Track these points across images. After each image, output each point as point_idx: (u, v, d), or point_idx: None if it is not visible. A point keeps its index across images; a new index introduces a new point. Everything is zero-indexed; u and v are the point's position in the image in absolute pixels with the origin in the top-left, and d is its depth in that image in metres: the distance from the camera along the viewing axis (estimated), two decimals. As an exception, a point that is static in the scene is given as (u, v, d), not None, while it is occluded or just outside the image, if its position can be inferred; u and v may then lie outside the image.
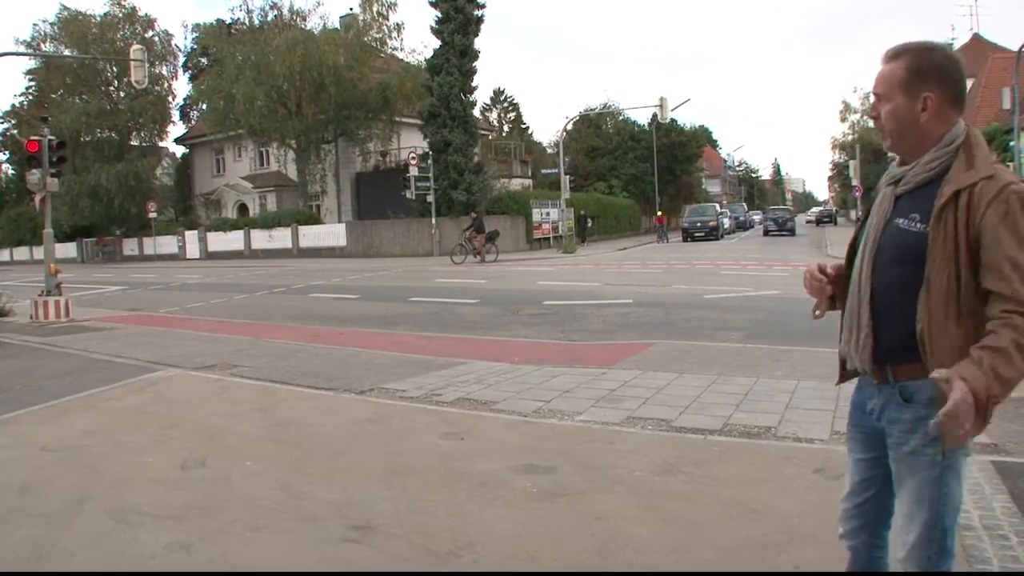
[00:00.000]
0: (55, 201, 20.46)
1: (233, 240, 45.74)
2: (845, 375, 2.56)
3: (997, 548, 3.60)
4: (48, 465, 5.50)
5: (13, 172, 59.35)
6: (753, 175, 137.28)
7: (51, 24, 49.71)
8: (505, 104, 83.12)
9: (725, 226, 52.98)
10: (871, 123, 2.61)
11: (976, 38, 55.81)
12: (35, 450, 5.92)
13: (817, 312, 2.61)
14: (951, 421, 1.99)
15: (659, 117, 43.69)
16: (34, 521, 4.37)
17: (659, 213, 52.81)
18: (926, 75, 2.26)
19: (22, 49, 47.83)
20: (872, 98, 2.40)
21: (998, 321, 2.08)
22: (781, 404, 6.44)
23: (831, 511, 4.02)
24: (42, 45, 49.46)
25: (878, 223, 2.36)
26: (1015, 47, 27.67)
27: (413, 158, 36.48)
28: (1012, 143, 26.02)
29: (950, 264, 2.16)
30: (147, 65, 27.80)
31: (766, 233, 52.36)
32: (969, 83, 43.64)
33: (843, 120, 71.67)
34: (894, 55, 2.31)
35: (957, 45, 56.77)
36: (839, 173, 79.70)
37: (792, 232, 50.95)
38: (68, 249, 50.99)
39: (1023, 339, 2.04)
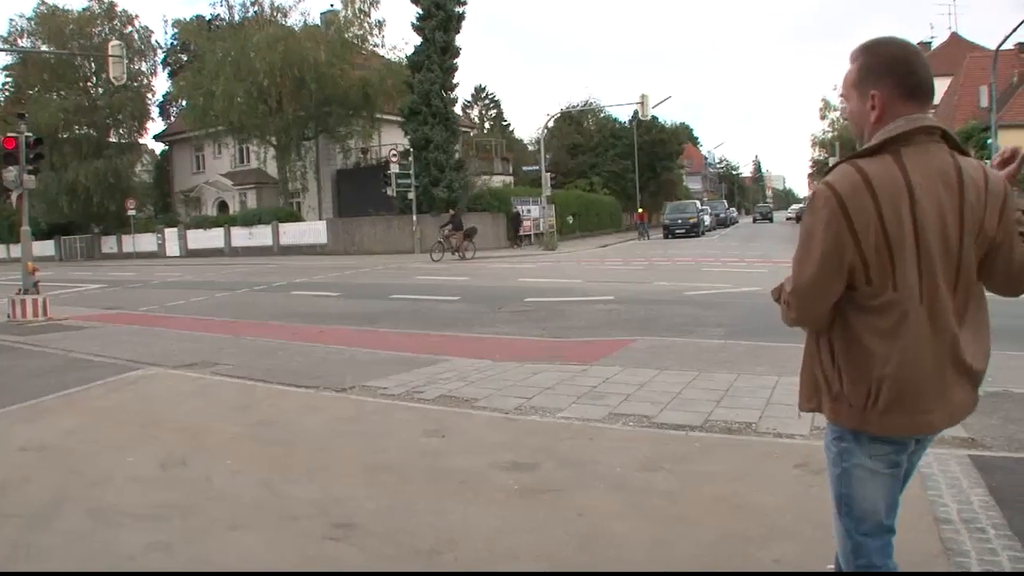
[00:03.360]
0: (32, 199, 20.25)
1: (213, 238, 45.49)
2: None
3: (975, 541, 3.64)
4: (26, 465, 5.45)
5: (-10, 169, 58.64)
6: (734, 172, 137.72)
7: (28, 19, 49.28)
8: (486, 101, 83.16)
9: (706, 223, 53.19)
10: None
11: (954, 37, 56.38)
12: (13, 450, 5.86)
13: None
14: None
15: (640, 114, 43.92)
16: (12, 522, 4.33)
17: (640, 210, 52.84)
18: (874, 72, 2.20)
19: (-1, 44, 47.42)
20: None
21: None
22: (762, 400, 6.47)
23: (812, 506, 4.06)
24: (19, 40, 48.89)
25: None
26: (992, 46, 27.90)
27: (394, 155, 36.42)
28: (990, 140, 26.27)
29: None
30: (126, 61, 27.59)
31: (755, 221, 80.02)
32: (947, 81, 44.09)
33: (823, 118, 72.22)
34: (853, 56, 2.27)
35: (936, 44, 57.39)
36: (819, 170, 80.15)
37: (771, 220, 79.14)
38: (46, 247, 50.58)
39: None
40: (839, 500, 2.37)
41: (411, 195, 35.94)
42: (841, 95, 2.36)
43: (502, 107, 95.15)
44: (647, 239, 46.84)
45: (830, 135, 70.33)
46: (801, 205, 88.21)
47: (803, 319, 2.26)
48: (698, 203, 56.38)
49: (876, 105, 2.19)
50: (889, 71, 2.18)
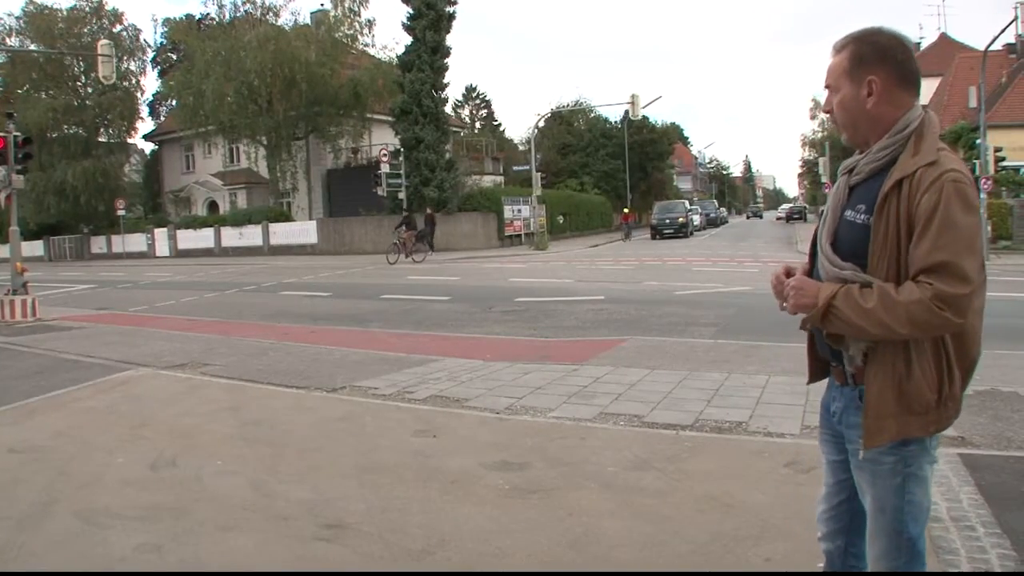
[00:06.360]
0: (21, 199, 20.13)
1: (203, 238, 45.32)
2: (815, 374, 2.50)
3: (964, 539, 3.65)
4: (15, 467, 5.42)
5: (-23, 169, 58.19)
6: (724, 172, 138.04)
7: (16, 18, 48.93)
8: (477, 101, 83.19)
9: (695, 223, 52.45)
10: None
11: (943, 38, 56.64)
12: (2, 451, 5.83)
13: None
14: (781, 286, 2.27)
15: (630, 114, 43.92)
16: (2, 524, 4.31)
17: (626, 210, 52.15)
18: (868, 59, 2.20)
19: (-14, 44, 47.16)
20: (826, 93, 2.35)
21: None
22: (752, 399, 6.49)
23: (802, 505, 4.07)
24: (7, 39, 48.60)
25: (833, 216, 2.30)
26: (981, 47, 28.04)
27: (384, 155, 36.36)
28: (979, 141, 26.40)
29: (891, 256, 2.11)
30: (115, 60, 27.50)
31: (748, 218, 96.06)
32: (937, 81, 44.27)
33: (813, 118, 72.66)
34: (840, 46, 2.27)
35: (925, 44, 57.64)
36: (809, 170, 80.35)
37: (760, 217, 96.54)
38: (35, 247, 50.35)
39: (896, 295, 2.04)
40: (902, 510, 2.23)
41: (402, 195, 35.90)
42: (827, 86, 2.31)
43: (493, 107, 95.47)
44: (630, 240, 46.16)
45: (820, 135, 70.55)
46: (791, 205, 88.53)
47: (970, 314, 2.06)
48: (687, 203, 55.77)
49: (874, 90, 2.20)
50: (887, 57, 2.20)
